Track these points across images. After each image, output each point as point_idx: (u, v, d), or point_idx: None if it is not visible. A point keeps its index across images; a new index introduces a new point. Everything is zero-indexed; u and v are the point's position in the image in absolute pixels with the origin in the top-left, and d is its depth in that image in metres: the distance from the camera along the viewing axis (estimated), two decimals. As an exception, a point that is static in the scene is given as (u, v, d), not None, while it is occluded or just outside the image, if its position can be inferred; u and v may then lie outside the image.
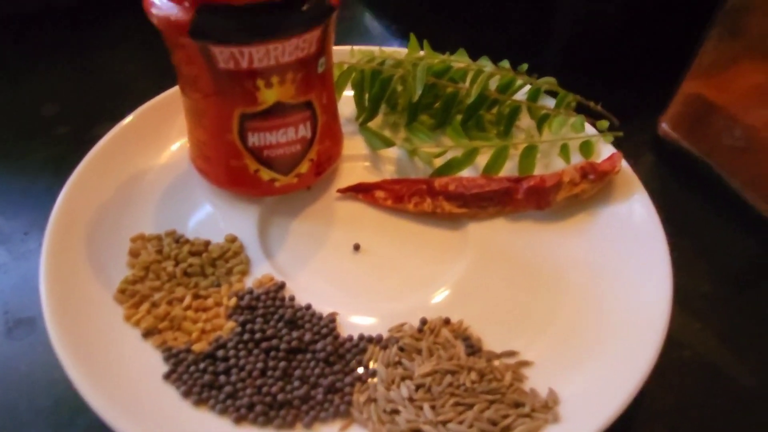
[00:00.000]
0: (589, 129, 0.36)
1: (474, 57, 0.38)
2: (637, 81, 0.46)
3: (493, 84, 0.37)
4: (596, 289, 0.29)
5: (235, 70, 0.27)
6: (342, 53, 0.40)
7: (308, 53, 0.28)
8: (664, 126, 0.41)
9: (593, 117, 0.37)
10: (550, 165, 0.36)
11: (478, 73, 0.37)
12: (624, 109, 0.44)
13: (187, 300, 0.27)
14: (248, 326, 0.26)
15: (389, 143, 0.35)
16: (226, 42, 0.25)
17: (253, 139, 0.29)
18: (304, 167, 0.32)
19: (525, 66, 0.40)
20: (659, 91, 0.41)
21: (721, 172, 0.37)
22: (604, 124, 0.36)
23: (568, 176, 0.33)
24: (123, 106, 0.42)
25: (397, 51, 0.40)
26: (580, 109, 0.37)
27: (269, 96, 0.28)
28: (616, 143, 0.36)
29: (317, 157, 0.32)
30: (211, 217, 0.32)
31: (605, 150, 0.35)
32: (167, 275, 0.28)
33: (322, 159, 0.33)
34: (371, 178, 0.35)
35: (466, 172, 0.35)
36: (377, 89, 0.37)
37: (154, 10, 0.26)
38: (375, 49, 0.40)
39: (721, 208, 0.37)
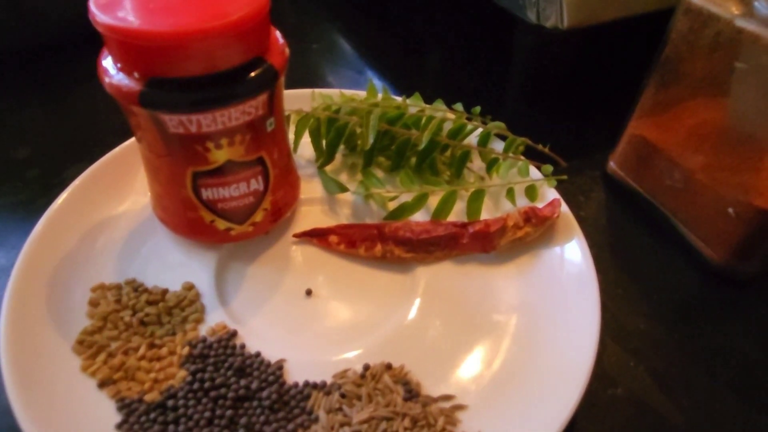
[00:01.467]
0: (536, 172, 0.38)
1: (439, 96, 0.40)
2: (591, 117, 0.48)
3: (447, 127, 0.39)
4: (532, 331, 0.31)
5: (185, 134, 0.28)
6: (302, 97, 0.42)
7: (255, 116, 0.29)
8: (612, 164, 0.43)
9: (541, 159, 0.39)
10: (499, 206, 0.38)
11: (429, 120, 0.39)
12: (578, 145, 0.46)
13: (142, 350, 0.28)
14: (199, 375, 0.27)
15: (343, 189, 0.37)
16: (173, 111, 0.27)
17: (207, 194, 0.31)
18: (258, 216, 0.33)
19: (478, 109, 0.42)
20: (610, 129, 0.43)
21: (665, 211, 0.39)
22: (548, 168, 0.38)
23: (512, 220, 0.35)
24: (92, 147, 0.44)
25: (356, 94, 0.42)
26: (530, 152, 0.39)
27: (219, 156, 0.30)
28: (569, 178, 0.38)
29: (271, 206, 0.34)
30: (171, 264, 0.33)
31: (550, 193, 0.37)
32: (124, 325, 0.29)
33: (277, 207, 0.34)
34: (328, 221, 0.37)
35: (419, 215, 0.37)
36: (333, 136, 0.39)
37: (107, 79, 0.28)
38: (335, 92, 0.42)
39: (664, 246, 0.39)
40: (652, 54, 0.37)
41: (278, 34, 0.32)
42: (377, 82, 0.53)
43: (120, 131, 0.39)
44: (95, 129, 0.46)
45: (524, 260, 0.35)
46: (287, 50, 0.31)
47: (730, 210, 0.35)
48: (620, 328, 0.34)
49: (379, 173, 0.40)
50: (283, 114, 0.33)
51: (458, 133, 0.39)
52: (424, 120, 0.39)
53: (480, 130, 0.40)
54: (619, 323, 0.34)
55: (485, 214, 0.37)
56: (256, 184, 0.32)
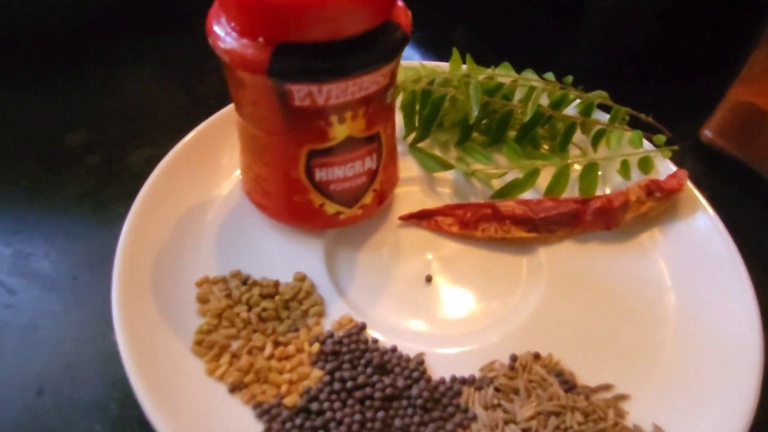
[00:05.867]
0: (646, 143, 0.36)
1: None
2: (677, 83, 0.46)
3: (543, 99, 0.37)
4: (678, 313, 0.29)
5: (310, 108, 0.25)
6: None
7: (381, 86, 0.26)
8: (708, 133, 0.40)
9: (643, 129, 0.37)
10: (608, 180, 0.35)
11: (531, 90, 0.36)
12: (664, 113, 0.44)
13: (269, 349, 0.26)
14: (336, 374, 0.25)
15: (447, 166, 0.34)
16: (305, 80, 0.24)
17: (321, 174, 0.28)
18: (368, 198, 0.30)
19: (570, 78, 0.39)
20: (699, 97, 0.40)
21: (773, 180, 0.37)
22: (661, 138, 0.36)
23: (634, 195, 0.32)
24: (152, 131, 0.40)
25: (439, 66, 0.39)
26: (631, 123, 0.37)
27: (341, 132, 0.27)
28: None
29: (380, 186, 0.31)
30: (274, 254, 0.30)
31: (662, 166, 0.35)
32: (242, 322, 0.26)
33: (384, 188, 0.31)
34: (429, 202, 0.34)
35: (528, 194, 0.34)
36: (429, 110, 0.36)
37: (222, 45, 0.24)
38: (416, 64, 0.39)
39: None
40: (761, 12, 0.35)
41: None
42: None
43: (183, 113, 0.35)
44: (151, 111, 0.42)
45: (649, 236, 0.32)
46: (410, 12, 0.28)
47: None
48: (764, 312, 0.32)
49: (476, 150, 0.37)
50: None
51: (560, 103, 0.36)
52: (525, 91, 0.36)
53: (579, 100, 0.37)
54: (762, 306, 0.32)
55: (597, 191, 0.35)
56: (371, 162, 0.29)
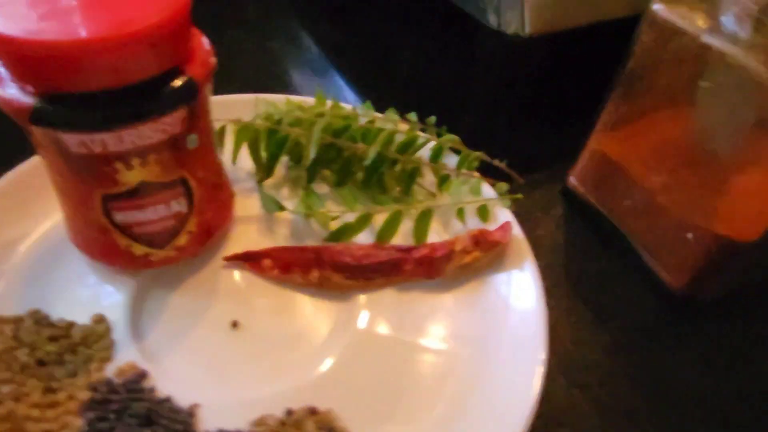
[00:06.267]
0: (491, 191, 0.36)
1: (402, 101, 0.38)
2: (556, 129, 0.46)
3: (400, 139, 0.37)
4: (476, 368, 0.28)
5: (89, 155, 0.25)
6: (246, 103, 0.38)
7: (172, 134, 0.26)
8: (572, 180, 0.40)
9: (499, 175, 0.37)
10: (450, 226, 0.35)
11: (376, 133, 0.36)
12: (541, 157, 0.44)
13: (36, 395, 0.25)
14: (97, 425, 0.25)
15: (281, 208, 0.34)
16: (72, 130, 0.24)
17: (120, 217, 0.28)
18: (182, 240, 0.30)
19: (433, 119, 0.39)
20: (573, 142, 0.40)
21: (624, 232, 0.37)
22: (503, 187, 0.36)
23: (460, 244, 0.32)
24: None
25: (304, 101, 0.39)
26: (488, 167, 0.37)
27: (132, 177, 0.27)
28: (528, 193, 0.36)
29: (198, 228, 0.31)
30: (83, 293, 0.30)
31: (502, 214, 0.35)
32: (20, 366, 0.26)
33: (205, 228, 0.31)
34: (265, 242, 0.34)
35: (365, 237, 0.34)
36: (273, 149, 0.36)
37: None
38: (281, 98, 0.39)
39: (622, 270, 0.37)
40: (618, 65, 0.35)
41: (204, 40, 0.29)
42: (339, 83, 0.50)
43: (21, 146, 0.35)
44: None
45: (471, 288, 0.32)
46: (213, 59, 0.28)
47: (689, 235, 0.33)
48: (571, 360, 0.32)
49: (325, 188, 0.37)
50: (211, 128, 0.30)
51: (409, 146, 0.36)
52: (372, 132, 0.36)
53: (433, 143, 0.37)
54: (570, 355, 0.32)
55: (435, 236, 0.34)
56: (178, 206, 0.29)
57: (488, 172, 0.37)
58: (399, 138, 0.37)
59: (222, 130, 0.35)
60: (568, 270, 0.37)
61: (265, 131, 0.36)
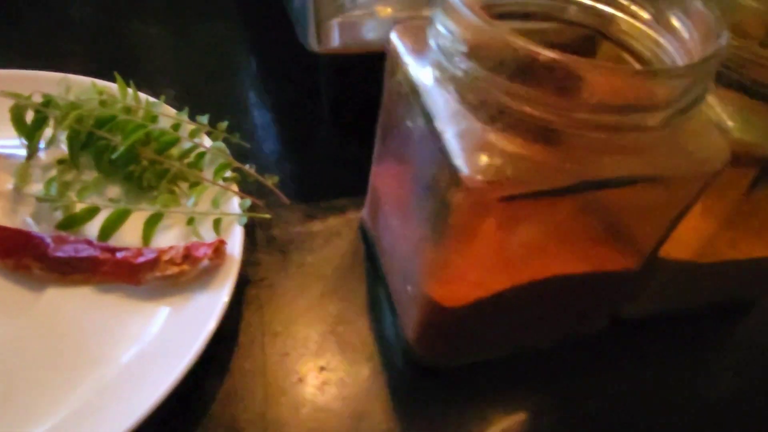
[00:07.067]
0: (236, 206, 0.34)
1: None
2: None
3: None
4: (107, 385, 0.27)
5: None
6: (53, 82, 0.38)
7: None
8: (363, 212, 0.38)
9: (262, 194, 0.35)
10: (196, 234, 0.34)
11: (136, 129, 0.35)
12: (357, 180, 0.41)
13: None
14: None
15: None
16: None
17: None
18: None
19: (224, 124, 0.38)
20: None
21: (383, 274, 0.35)
22: (246, 203, 0.34)
23: (168, 255, 0.31)
24: None
25: (108, 87, 0.39)
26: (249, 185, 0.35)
27: None
28: (331, 216, 0.37)
29: None
30: None
31: (233, 230, 0.33)
32: None
33: None
34: (4, 221, 0.34)
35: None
36: (32, 127, 0.36)
37: None
38: (87, 81, 0.39)
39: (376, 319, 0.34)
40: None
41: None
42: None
43: None
44: None
45: (171, 302, 0.31)
46: None
47: (409, 288, 0.30)
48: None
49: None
50: None
51: (169, 147, 0.35)
52: (129, 127, 0.35)
53: (201, 149, 0.36)
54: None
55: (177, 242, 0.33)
56: None
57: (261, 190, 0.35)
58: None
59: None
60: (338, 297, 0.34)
61: (33, 109, 0.36)
